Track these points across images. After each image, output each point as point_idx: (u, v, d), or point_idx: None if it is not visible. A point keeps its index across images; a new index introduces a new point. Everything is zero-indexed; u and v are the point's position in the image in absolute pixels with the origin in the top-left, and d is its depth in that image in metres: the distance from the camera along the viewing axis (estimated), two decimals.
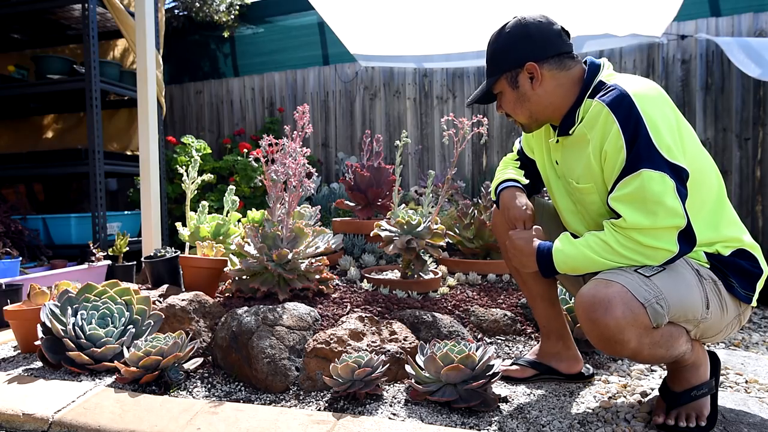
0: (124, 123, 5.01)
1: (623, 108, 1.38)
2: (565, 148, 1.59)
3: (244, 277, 2.29)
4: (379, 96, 5.10)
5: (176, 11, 5.56)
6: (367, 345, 1.83)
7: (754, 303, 1.48)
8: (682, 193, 1.34)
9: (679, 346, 1.41)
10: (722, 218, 1.48)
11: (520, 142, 1.88)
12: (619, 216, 1.39)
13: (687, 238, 1.37)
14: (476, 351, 1.65)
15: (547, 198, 2.02)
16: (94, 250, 3.36)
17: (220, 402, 1.69)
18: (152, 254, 2.62)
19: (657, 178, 1.32)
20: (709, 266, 1.44)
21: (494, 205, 1.87)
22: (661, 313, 1.34)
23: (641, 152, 1.34)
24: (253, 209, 3.11)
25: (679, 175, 1.35)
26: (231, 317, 1.97)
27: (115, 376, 1.85)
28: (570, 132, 1.53)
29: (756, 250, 1.48)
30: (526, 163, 1.84)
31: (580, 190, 1.54)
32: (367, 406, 1.62)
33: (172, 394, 1.77)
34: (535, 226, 1.60)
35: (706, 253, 1.45)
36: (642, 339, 1.34)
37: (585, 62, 1.55)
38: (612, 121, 1.38)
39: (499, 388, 1.76)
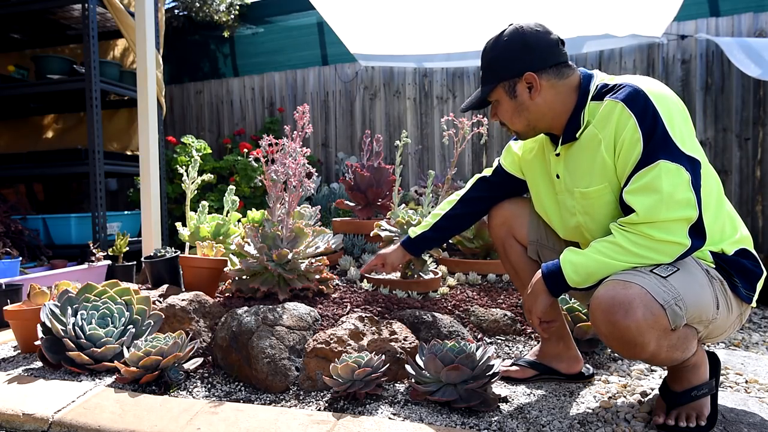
0: (124, 123, 5.01)
1: (638, 102, 1.37)
2: (570, 157, 1.56)
3: (244, 277, 2.29)
4: (379, 96, 5.09)
5: (176, 11, 5.56)
6: (367, 345, 1.83)
7: (753, 303, 1.48)
8: (697, 185, 1.35)
9: (692, 348, 1.41)
10: (722, 212, 1.48)
11: (499, 159, 1.86)
12: (629, 213, 1.39)
13: (698, 231, 1.36)
14: (476, 351, 1.65)
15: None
16: (94, 250, 3.36)
17: (220, 402, 1.69)
18: (152, 254, 2.62)
19: (674, 169, 1.33)
20: (714, 266, 1.44)
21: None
22: (680, 314, 1.32)
23: (658, 144, 1.34)
24: (253, 209, 3.11)
25: (694, 167, 1.35)
26: (231, 317, 1.97)
27: (115, 376, 1.85)
28: (576, 136, 1.51)
29: (750, 244, 1.49)
30: (500, 182, 1.84)
31: (590, 195, 1.50)
32: (367, 406, 1.62)
33: (172, 394, 1.77)
34: None
35: (711, 252, 1.45)
36: (661, 341, 1.33)
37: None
38: (628, 116, 1.38)
39: (499, 388, 1.76)
